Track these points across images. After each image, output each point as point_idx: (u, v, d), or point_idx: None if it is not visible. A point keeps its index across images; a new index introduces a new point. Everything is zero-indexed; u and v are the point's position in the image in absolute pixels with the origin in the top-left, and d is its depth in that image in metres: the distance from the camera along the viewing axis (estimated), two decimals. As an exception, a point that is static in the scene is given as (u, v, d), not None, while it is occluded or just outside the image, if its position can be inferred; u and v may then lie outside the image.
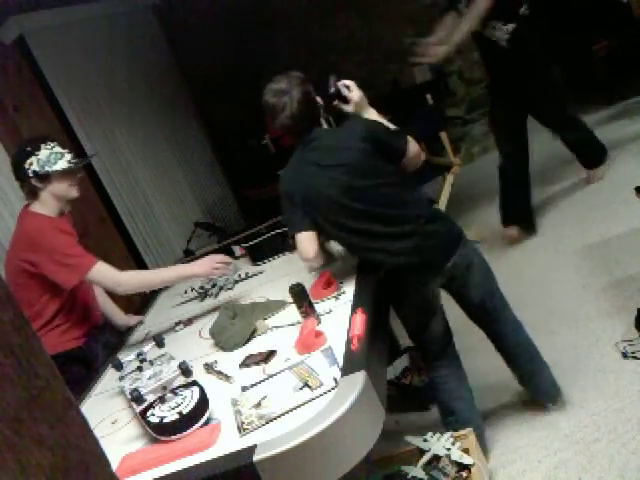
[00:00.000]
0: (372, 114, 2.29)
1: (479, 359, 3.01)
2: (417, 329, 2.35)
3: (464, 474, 2.04)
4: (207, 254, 3.13)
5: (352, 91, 2.24)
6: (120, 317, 2.82)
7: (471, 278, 2.24)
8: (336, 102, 2.27)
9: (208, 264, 2.48)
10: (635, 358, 2.49)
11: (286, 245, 2.84)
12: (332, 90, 2.23)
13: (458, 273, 2.21)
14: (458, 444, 2.11)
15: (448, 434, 2.16)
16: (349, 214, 2.10)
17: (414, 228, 2.11)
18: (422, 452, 2.16)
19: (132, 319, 2.81)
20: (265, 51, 5.55)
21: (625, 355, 2.52)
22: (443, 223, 2.21)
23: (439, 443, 2.13)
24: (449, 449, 2.09)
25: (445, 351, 2.38)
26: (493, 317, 2.35)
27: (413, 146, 2.20)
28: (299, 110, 2.08)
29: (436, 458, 2.11)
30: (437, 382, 2.40)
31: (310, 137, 2.14)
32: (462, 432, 2.19)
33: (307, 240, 2.15)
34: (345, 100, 2.24)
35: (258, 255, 2.88)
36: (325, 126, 2.30)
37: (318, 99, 2.20)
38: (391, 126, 2.23)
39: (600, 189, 4.02)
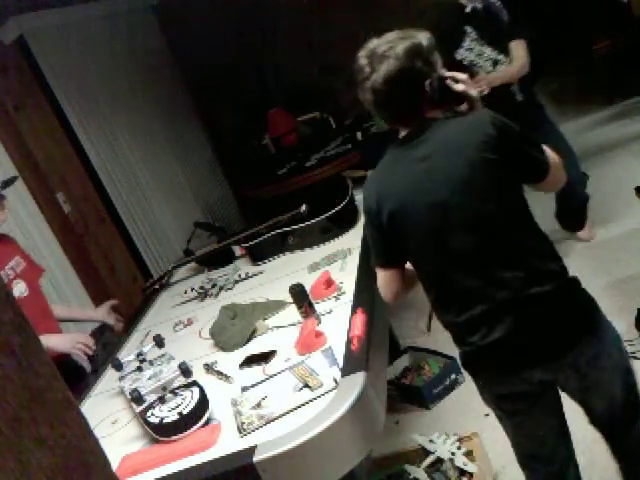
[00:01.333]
0: None
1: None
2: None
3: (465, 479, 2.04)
4: (207, 254, 3.14)
5: (467, 85, 1.61)
6: (95, 314, 2.81)
7: (594, 377, 1.55)
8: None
9: (69, 342, 2.39)
10: (635, 358, 2.49)
11: (286, 245, 2.84)
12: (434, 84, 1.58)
13: (577, 369, 1.53)
14: (464, 449, 2.11)
15: (454, 437, 2.16)
16: (439, 247, 1.53)
17: (522, 287, 1.47)
18: (426, 452, 2.16)
19: (101, 312, 2.75)
20: (265, 51, 5.55)
21: (625, 355, 2.51)
22: (572, 292, 1.57)
23: (444, 446, 2.13)
24: (454, 453, 2.09)
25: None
26: (620, 430, 1.71)
27: (555, 166, 1.56)
28: (383, 89, 1.50)
29: (439, 460, 2.11)
30: None
31: (413, 128, 1.56)
32: (467, 434, 2.19)
33: (387, 279, 1.67)
34: (459, 99, 1.61)
35: (258, 255, 2.88)
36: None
37: (427, 83, 1.54)
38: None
39: (600, 189, 4.02)
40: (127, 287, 4.02)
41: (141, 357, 2.15)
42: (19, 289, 2.40)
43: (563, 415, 1.69)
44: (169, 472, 1.54)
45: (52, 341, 2.34)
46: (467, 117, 1.57)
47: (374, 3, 5.53)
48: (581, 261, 3.33)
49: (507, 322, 1.48)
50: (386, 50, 1.48)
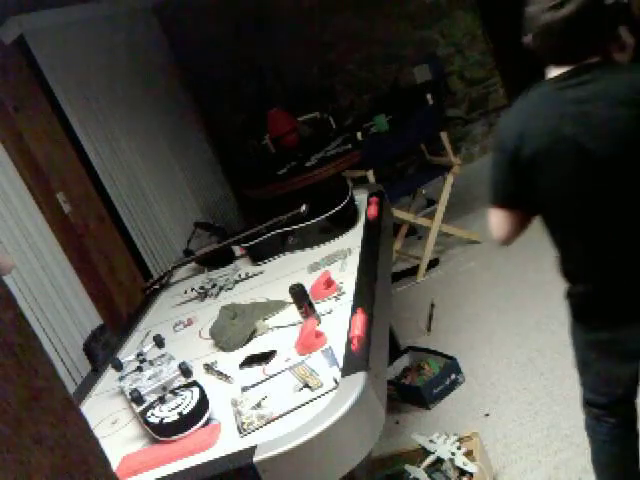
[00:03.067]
0: None
1: (480, 356, 3.01)
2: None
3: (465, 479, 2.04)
4: (207, 254, 3.14)
5: (627, 34, 1.50)
6: None
7: None
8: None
9: None
10: (635, 358, 2.49)
11: (286, 245, 2.84)
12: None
13: None
14: (464, 449, 2.11)
15: (454, 437, 2.16)
16: (583, 199, 1.46)
17: None
18: (427, 452, 2.16)
19: None
20: (265, 51, 5.55)
21: (625, 355, 2.51)
22: None
23: (445, 446, 2.13)
24: (454, 453, 2.09)
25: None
26: None
27: None
28: (585, 13, 1.38)
29: (439, 460, 2.11)
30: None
31: (575, 68, 1.44)
32: (467, 434, 2.19)
33: (502, 220, 1.61)
34: (622, 46, 1.50)
35: (258, 255, 2.88)
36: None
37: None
38: None
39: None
40: (127, 287, 4.02)
41: (141, 357, 2.15)
42: None
43: None
44: (169, 472, 1.54)
45: None
46: (635, 65, 1.46)
47: (374, 3, 5.53)
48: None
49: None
50: None
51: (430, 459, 2.13)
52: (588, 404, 1.78)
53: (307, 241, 2.78)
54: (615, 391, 1.71)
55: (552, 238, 1.61)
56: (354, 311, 1.90)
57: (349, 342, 1.73)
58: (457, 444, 2.14)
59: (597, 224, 1.48)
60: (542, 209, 1.56)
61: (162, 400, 1.74)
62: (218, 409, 1.72)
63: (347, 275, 2.26)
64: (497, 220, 1.61)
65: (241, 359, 1.98)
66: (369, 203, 2.85)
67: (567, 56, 1.46)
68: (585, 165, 1.42)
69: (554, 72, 1.47)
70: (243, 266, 2.93)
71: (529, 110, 1.49)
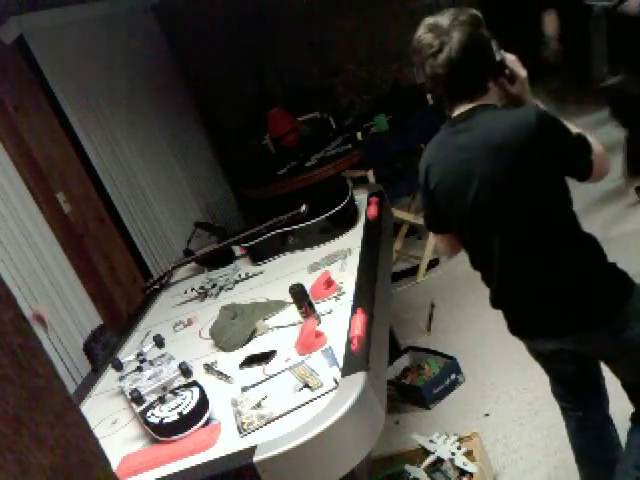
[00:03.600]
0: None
1: (480, 356, 3.01)
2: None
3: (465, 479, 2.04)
4: (207, 254, 3.14)
5: (518, 67, 1.64)
6: None
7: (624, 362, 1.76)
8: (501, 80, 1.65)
9: None
10: (635, 358, 2.48)
11: (286, 245, 2.84)
12: (497, 58, 1.60)
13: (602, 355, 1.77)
14: (464, 449, 2.11)
15: (454, 437, 2.16)
16: (475, 235, 1.66)
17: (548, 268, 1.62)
18: (427, 452, 2.16)
19: None
20: (265, 51, 5.55)
21: (625, 355, 2.51)
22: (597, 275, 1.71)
23: (445, 446, 2.13)
24: (454, 453, 2.09)
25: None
26: None
27: (599, 164, 1.60)
28: (460, 57, 1.49)
29: (439, 460, 2.11)
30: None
31: (465, 112, 1.58)
32: (467, 434, 2.19)
33: (437, 240, 1.85)
34: (511, 78, 1.62)
35: (258, 255, 2.88)
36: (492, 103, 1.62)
37: (495, 54, 1.60)
38: (572, 128, 1.58)
39: (600, 189, 4.02)
40: (127, 287, 4.02)
41: (141, 357, 2.15)
42: None
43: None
44: (169, 472, 1.54)
45: None
46: (513, 111, 1.58)
47: (374, 3, 5.53)
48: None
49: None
50: (451, 21, 1.50)
51: (430, 459, 2.13)
52: (555, 397, 1.94)
53: (307, 241, 2.78)
54: (566, 389, 1.87)
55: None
56: (354, 311, 1.90)
57: (349, 342, 1.73)
58: (457, 444, 2.14)
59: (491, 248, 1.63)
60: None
61: (162, 400, 1.74)
62: (218, 409, 1.72)
63: (347, 275, 2.26)
64: (436, 241, 1.88)
65: (241, 359, 1.98)
66: (369, 203, 2.84)
67: (457, 97, 1.61)
68: (469, 210, 1.60)
69: (454, 111, 1.63)
70: (243, 266, 2.93)
71: (433, 148, 1.70)
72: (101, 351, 2.64)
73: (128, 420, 1.89)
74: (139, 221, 4.39)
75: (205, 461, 1.52)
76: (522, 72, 1.63)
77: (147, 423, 1.68)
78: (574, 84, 6.05)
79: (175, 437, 1.62)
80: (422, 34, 1.54)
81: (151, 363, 2.06)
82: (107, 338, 2.74)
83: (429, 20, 1.54)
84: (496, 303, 1.75)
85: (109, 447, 1.68)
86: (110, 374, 2.30)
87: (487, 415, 2.55)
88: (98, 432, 1.83)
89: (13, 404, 0.56)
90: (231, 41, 5.52)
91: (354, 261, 2.36)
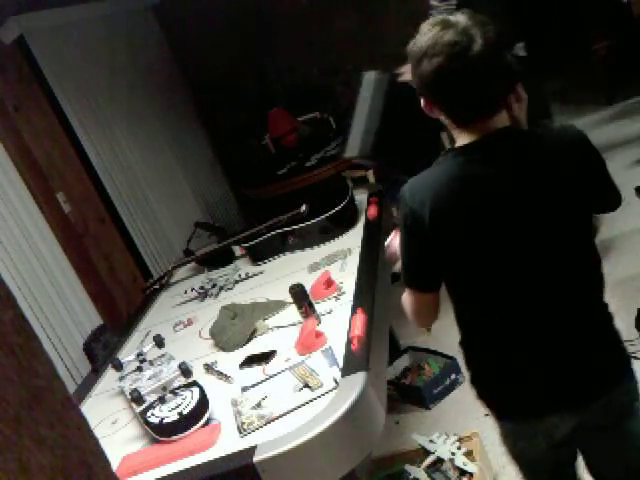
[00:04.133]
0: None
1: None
2: None
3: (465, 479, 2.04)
4: (207, 254, 3.14)
5: (520, 86, 1.42)
6: None
7: (620, 435, 1.44)
8: None
9: None
10: (635, 358, 2.49)
11: (286, 245, 2.84)
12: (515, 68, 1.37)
13: (603, 422, 1.42)
14: (464, 449, 2.11)
15: (454, 437, 2.16)
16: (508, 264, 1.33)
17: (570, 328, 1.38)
18: (427, 452, 2.16)
19: None
20: (265, 51, 5.55)
21: (625, 355, 2.51)
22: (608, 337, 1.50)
23: (445, 446, 2.13)
24: (454, 454, 2.09)
25: None
26: None
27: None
28: (492, 56, 1.25)
29: (439, 460, 2.11)
30: None
31: (480, 136, 1.31)
32: (467, 434, 2.19)
33: (430, 302, 1.46)
34: (517, 96, 1.42)
35: (258, 255, 2.88)
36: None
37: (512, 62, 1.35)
38: None
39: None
40: (127, 287, 4.02)
41: (141, 357, 2.16)
42: None
43: None
44: (169, 472, 1.54)
45: None
46: (549, 132, 1.38)
47: (374, 3, 5.53)
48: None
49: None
50: (469, 19, 1.25)
51: (430, 459, 2.13)
52: None
53: (307, 241, 2.78)
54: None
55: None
56: (354, 311, 1.90)
57: (349, 342, 1.73)
58: (457, 444, 2.14)
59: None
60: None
61: (162, 400, 1.74)
62: (218, 409, 1.72)
63: (347, 275, 2.26)
64: (418, 305, 1.46)
65: (241, 359, 1.98)
66: (369, 203, 2.84)
67: (476, 112, 1.31)
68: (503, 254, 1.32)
69: (461, 139, 1.34)
70: (243, 266, 2.93)
71: (442, 184, 1.32)
72: (101, 351, 2.64)
73: (128, 420, 1.89)
74: (139, 221, 4.39)
75: (205, 461, 1.52)
76: (524, 94, 1.43)
77: (147, 423, 1.68)
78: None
79: (175, 437, 1.62)
80: (437, 32, 1.24)
81: (151, 363, 2.06)
82: (107, 338, 2.74)
83: (438, 18, 1.28)
84: (522, 373, 1.38)
85: (109, 447, 1.68)
86: (110, 374, 2.30)
87: (487, 415, 2.54)
88: (98, 432, 1.83)
89: (13, 404, 0.56)
90: (231, 41, 5.52)
91: (354, 261, 2.36)
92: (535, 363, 1.36)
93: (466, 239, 1.30)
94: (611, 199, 1.49)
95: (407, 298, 1.43)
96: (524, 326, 1.35)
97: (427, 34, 1.25)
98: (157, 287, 3.13)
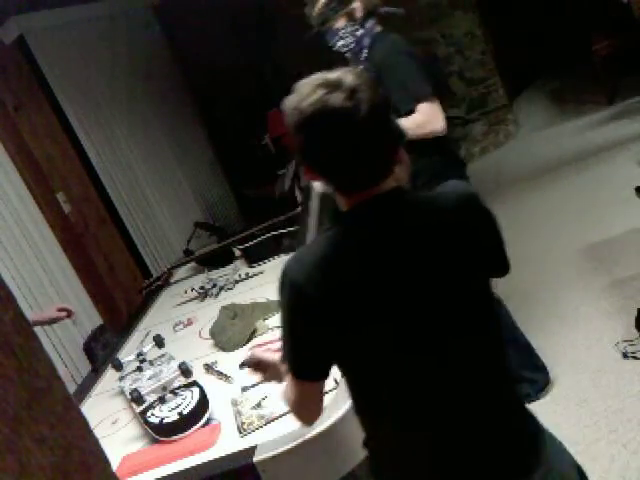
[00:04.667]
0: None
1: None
2: None
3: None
4: (207, 254, 3.14)
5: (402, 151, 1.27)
6: (37, 315, 2.76)
7: None
8: None
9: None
10: (635, 358, 2.49)
11: (281, 247, 2.85)
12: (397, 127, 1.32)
13: None
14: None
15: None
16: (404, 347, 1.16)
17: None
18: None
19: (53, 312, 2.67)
20: (265, 51, 5.55)
21: (625, 355, 2.52)
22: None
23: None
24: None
25: None
26: None
27: None
28: (379, 121, 1.13)
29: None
30: None
31: (368, 201, 1.17)
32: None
33: (314, 394, 1.25)
34: (400, 159, 1.27)
35: (253, 257, 2.89)
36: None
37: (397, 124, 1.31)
38: None
39: (600, 189, 4.02)
40: (127, 287, 4.02)
41: (141, 357, 2.16)
42: None
43: None
44: (169, 472, 1.54)
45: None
46: (440, 194, 1.24)
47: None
48: (581, 261, 3.33)
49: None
50: (355, 77, 1.12)
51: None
52: None
53: (302, 243, 2.78)
54: None
55: None
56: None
57: (349, 342, 1.73)
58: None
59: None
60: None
61: (162, 400, 1.74)
62: (218, 409, 1.72)
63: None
64: (301, 397, 1.24)
65: (241, 359, 1.98)
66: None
67: (365, 179, 1.16)
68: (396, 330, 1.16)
69: (347, 204, 1.19)
70: (243, 266, 2.93)
71: (330, 256, 1.16)
72: (101, 351, 2.64)
73: (128, 420, 1.89)
74: (139, 221, 4.39)
75: (205, 461, 1.52)
76: (405, 156, 1.28)
77: (147, 423, 1.68)
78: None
79: (175, 437, 1.62)
80: (321, 95, 1.09)
81: (151, 363, 2.06)
82: (107, 338, 2.74)
83: (321, 78, 1.12)
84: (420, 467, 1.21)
85: (109, 447, 1.68)
86: (110, 374, 2.30)
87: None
88: (98, 432, 1.83)
89: (13, 404, 0.56)
90: (231, 41, 5.52)
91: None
92: (434, 454, 1.19)
93: (356, 314, 1.13)
94: (500, 264, 1.32)
95: (289, 390, 1.24)
96: (421, 414, 1.18)
97: (310, 96, 1.10)
98: (153, 288, 3.13)
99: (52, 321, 2.62)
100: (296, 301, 1.15)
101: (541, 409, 2.47)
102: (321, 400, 1.26)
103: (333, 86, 1.10)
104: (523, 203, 4.37)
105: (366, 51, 2.32)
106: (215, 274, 2.95)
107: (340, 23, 2.34)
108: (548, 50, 6.30)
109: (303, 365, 1.21)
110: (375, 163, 1.16)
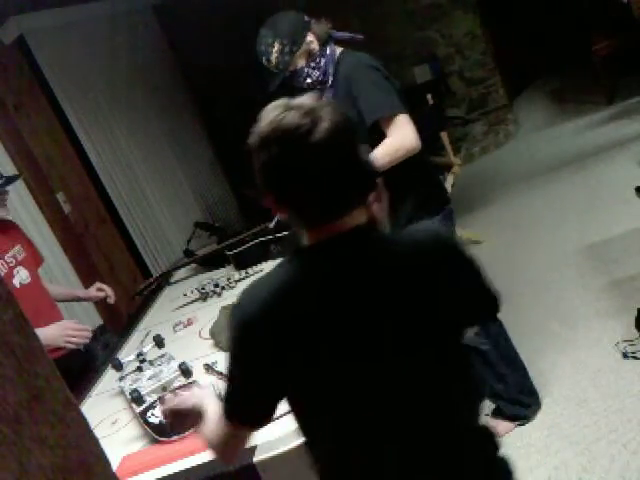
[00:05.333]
0: None
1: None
2: None
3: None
4: (206, 255, 3.14)
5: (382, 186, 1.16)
6: (82, 292, 2.85)
7: None
8: None
9: (58, 336, 2.26)
10: (635, 358, 2.49)
11: (270, 253, 2.88)
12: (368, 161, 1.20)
13: None
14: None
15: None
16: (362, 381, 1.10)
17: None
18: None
19: (93, 290, 2.72)
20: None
21: (625, 355, 2.52)
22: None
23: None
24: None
25: None
26: None
27: None
28: (343, 141, 1.05)
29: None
30: None
31: (332, 236, 1.09)
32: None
33: (242, 439, 1.21)
34: (379, 196, 1.19)
35: (242, 262, 2.90)
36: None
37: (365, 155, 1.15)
38: None
39: (600, 189, 4.02)
40: (127, 287, 4.02)
41: (141, 357, 2.16)
42: (21, 276, 2.41)
43: None
44: (169, 472, 1.54)
45: (39, 338, 2.24)
46: (409, 235, 1.17)
47: (373, 3, 5.53)
48: (581, 261, 3.33)
49: None
50: (317, 101, 1.07)
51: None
52: None
53: (290, 249, 2.79)
54: None
55: None
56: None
57: (349, 342, 1.73)
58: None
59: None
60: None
61: (162, 400, 1.74)
62: (218, 409, 1.72)
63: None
64: (235, 440, 1.21)
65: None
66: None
67: (320, 213, 1.08)
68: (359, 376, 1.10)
69: (309, 238, 1.12)
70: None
71: (285, 291, 1.09)
72: (101, 351, 2.64)
73: (128, 420, 1.89)
74: (139, 221, 4.39)
75: (205, 461, 1.52)
76: (385, 192, 1.17)
77: (147, 423, 1.68)
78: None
79: (175, 437, 1.62)
80: (278, 114, 1.03)
81: (151, 363, 2.06)
82: (107, 338, 2.74)
83: (281, 100, 1.07)
84: None
85: (109, 447, 1.68)
86: (110, 374, 2.30)
87: (487, 415, 2.55)
88: (98, 432, 1.83)
89: (13, 404, 0.56)
90: (231, 41, 5.52)
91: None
92: None
93: (310, 352, 1.07)
94: (486, 305, 1.21)
95: (218, 432, 1.17)
96: (376, 447, 1.13)
97: (266, 118, 1.05)
98: (146, 293, 3.12)
99: (90, 299, 2.81)
100: (247, 337, 1.08)
101: (541, 409, 2.47)
102: (244, 445, 1.23)
103: (291, 107, 1.04)
104: (523, 203, 4.38)
105: (331, 78, 2.24)
106: (216, 274, 2.96)
107: (301, 63, 2.25)
108: (548, 50, 6.31)
109: (242, 407, 1.15)
110: (335, 193, 1.06)
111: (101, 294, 2.68)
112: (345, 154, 1.06)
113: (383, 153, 2.03)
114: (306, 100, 1.06)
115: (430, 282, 1.09)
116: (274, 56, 2.23)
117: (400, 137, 2.07)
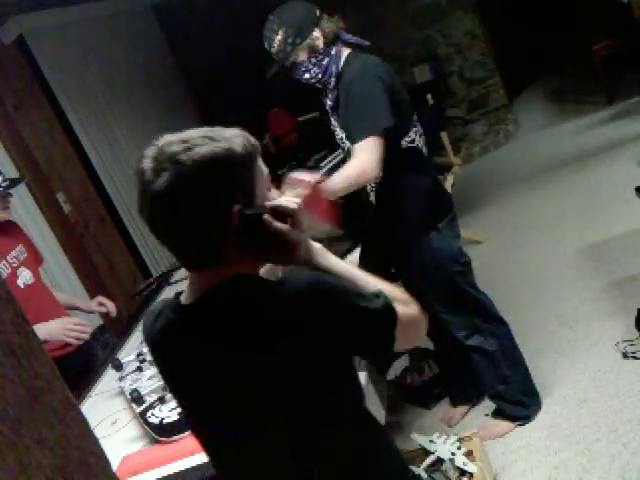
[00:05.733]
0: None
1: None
2: None
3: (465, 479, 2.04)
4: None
5: (296, 220, 1.06)
6: (83, 304, 2.81)
7: None
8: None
9: (59, 330, 2.28)
10: (635, 358, 2.49)
11: None
12: (249, 212, 1.03)
13: None
14: (464, 449, 2.11)
15: (454, 437, 2.15)
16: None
17: None
18: (427, 452, 2.16)
19: (94, 304, 2.70)
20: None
21: (625, 355, 2.52)
22: None
23: (445, 446, 2.13)
24: (454, 454, 2.09)
25: None
26: None
27: (404, 318, 1.14)
28: (168, 204, 0.99)
29: (439, 460, 2.10)
30: None
31: (201, 290, 1.06)
32: (467, 434, 2.19)
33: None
34: (283, 246, 1.06)
35: None
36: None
37: (236, 210, 1.01)
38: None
39: (600, 189, 4.02)
40: (127, 287, 4.02)
41: (141, 357, 2.16)
42: (25, 277, 2.41)
43: None
44: (169, 472, 1.54)
45: (41, 332, 2.20)
46: (281, 287, 1.03)
47: (373, 3, 5.53)
48: (581, 261, 3.33)
49: None
50: (178, 151, 0.99)
51: (430, 459, 2.13)
52: None
53: None
54: None
55: None
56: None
57: (349, 342, 1.73)
58: (457, 444, 2.14)
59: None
60: None
61: (162, 400, 1.74)
62: (218, 409, 1.72)
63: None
64: None
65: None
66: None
67: (191, 263, 1.06)
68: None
69: (188, 287, 1.10)
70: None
71: (155, 326, 1.12)
72: (101, 351, 2.64)
73: (128, 420, 1.89)
74: (139, 221, 4.39)
75: (205, 461, 1.52)
76: (297, 236, 1.05)
77: (147, 423, 1.68)
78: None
79: (175, 437, 1.62)
80: (146, 154, 1.01)
81: (151, 363, 2.06)
82: (107, 338, 2.74)
83: (164, 139, 1.04)
84: None
85: (109, 447, 1.68)
86: (110, 374, 2.30)
87: (487, 415, 2.55)
88: (98, 432, 1.83)
89: (13, 404, 0.56)
90: (231, 41, 5.52)
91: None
92: None
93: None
94: (370, 341, 1.11)
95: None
96: None
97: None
98: (146, 294, 3.12)
99: (90, 312, 2.78)
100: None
101: (541, 409, 2.47)
102: None
103: (157, 150, 1.00)
104: (523, 203, 4.38)
105: (334, 79, 2.21)
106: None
107: (302, 56, 2.21)
108: (548, 50, 6.31)
109: None
110: (185, 246, 1.02)
111: (102, 309, 2.64)
112: (190, 208, 0.98)
113: (342, 179, 2.00)
114: (170, 137, 1.03)
115: (282, 337, 1.00)
116: (276, 44, 2.23)
117: (362, 165, 2.02)
